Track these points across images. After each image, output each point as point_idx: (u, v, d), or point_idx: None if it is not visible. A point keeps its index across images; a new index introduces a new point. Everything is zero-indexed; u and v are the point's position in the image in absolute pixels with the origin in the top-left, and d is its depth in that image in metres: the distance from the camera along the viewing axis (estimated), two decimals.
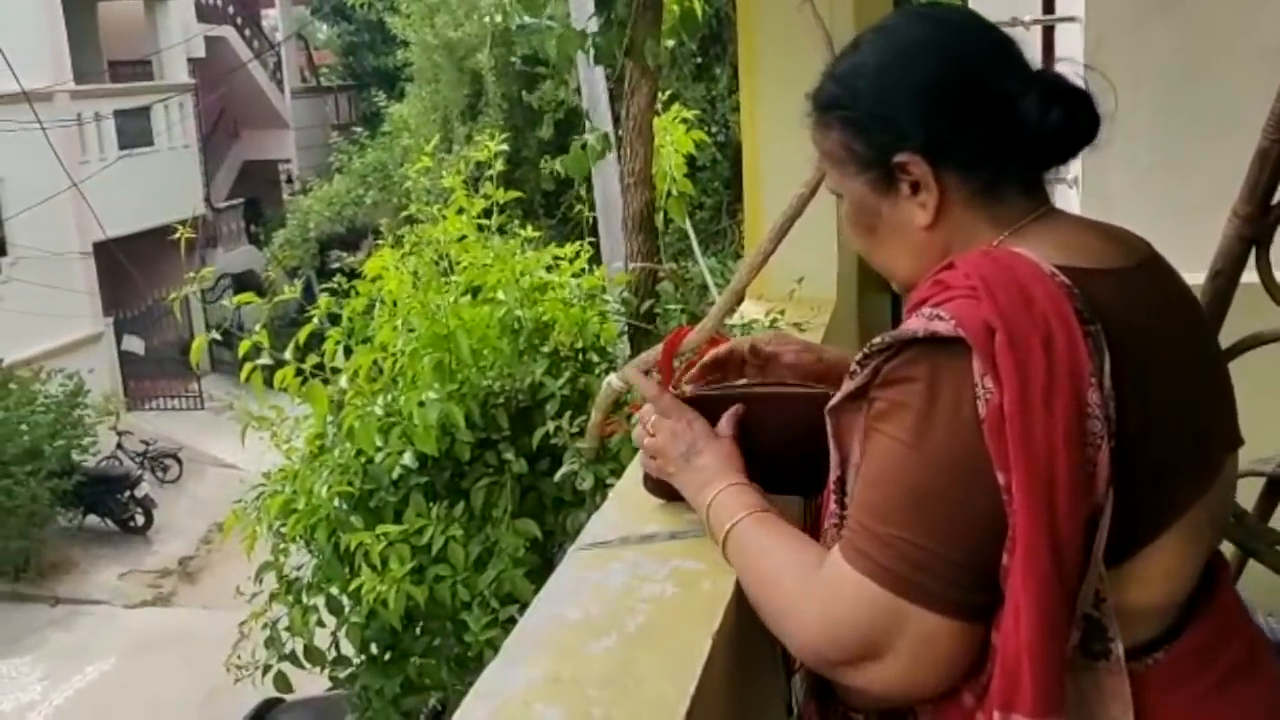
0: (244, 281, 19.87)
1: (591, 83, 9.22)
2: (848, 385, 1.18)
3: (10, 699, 12.03)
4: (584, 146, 3.10)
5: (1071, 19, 4.45)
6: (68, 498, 14.94)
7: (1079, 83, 1.22)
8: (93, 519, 15.57)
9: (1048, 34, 5.49)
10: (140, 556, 15.09)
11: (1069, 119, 1.18)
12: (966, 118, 1.20)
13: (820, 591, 1.16)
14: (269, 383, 2.88)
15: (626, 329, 3.09)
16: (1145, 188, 3.94)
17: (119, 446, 16.46)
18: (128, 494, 15.44)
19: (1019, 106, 1.18)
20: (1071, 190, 4.37)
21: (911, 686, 1.13)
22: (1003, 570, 1.06)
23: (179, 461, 16.95)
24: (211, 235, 22.31)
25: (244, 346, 2.82)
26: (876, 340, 1.13)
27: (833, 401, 1.20)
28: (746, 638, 1.36)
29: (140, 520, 15.54)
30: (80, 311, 18.02)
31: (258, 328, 2.75)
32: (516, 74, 15.05)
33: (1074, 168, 4.40)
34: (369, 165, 19.75)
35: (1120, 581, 1.10)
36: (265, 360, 2.78)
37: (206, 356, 18.77)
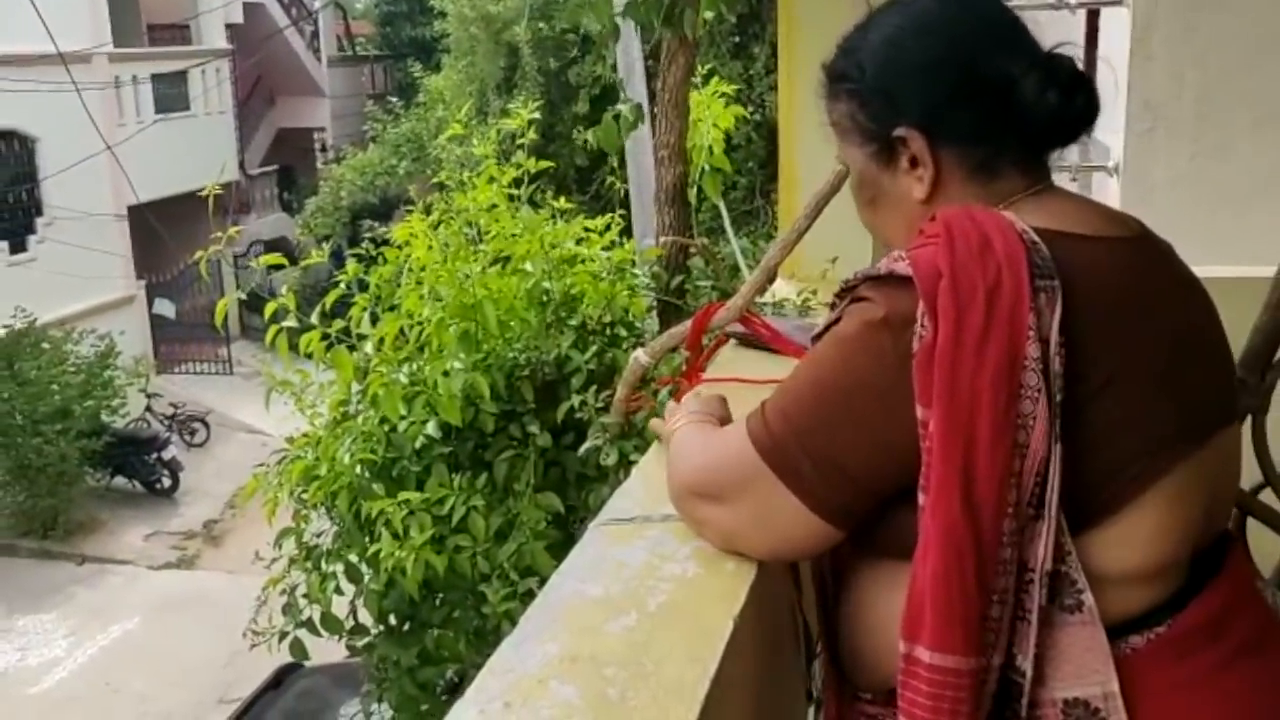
0: (276, 248, 19.85)
1: (628, 56, 9.14)
2: (827, 317, 1.24)
3: (36, 654, 12.21)
4: (616, 118, 3.06)
5: (1118, 2, 4.37)
6: (96, 458, 15.11)
7: (1080, 67, 1.25)
8: (120, 480, 15.73)
9: (1092, 18, 5.40)
10: (166, 519, 15.24)
11: (1065, 102, 1.21)
12: (965, 96, 1.23)
13: (716, 439, 1.34)
14: (296, 348, 2.87)
15: (655, 304, 3.05)
16: (1188, 177, 3.88)
17: (148, 409, 16.61)
18: (155, 456, 15.57)
19: (1018, 88, 1.20)
20: (1112, 178, 4.30)
21: (738, 539, 1.29)
22: (919, 509, 1.10)
23: (206, 426, 17.09)
24: (245, 201, 22.40)
25: (269, 309, 2.81)
26: (849, 276, 1.21)
27: (815, 332, 1.25)
28: (769, 621, 1.35)
29: (167, 483, 15.68)
30: (113, 274, 18.15)
31: (283, 290, 2.73)
32: (553, 48, 15.00)
33: (1115, 155, 4.34)
34: (403, 135, 19.76)
35: (1100, 543, 1.12)
36: (291, 324, 2.76)
37: (236, 322, 18.89)
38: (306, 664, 7.13)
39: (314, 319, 2.79)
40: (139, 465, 15.61)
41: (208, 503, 15.34)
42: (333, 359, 2.80)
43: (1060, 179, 3.98)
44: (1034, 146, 1.25)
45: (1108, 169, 4.34)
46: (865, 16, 1.34)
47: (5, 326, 14.81)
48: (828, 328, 1.22)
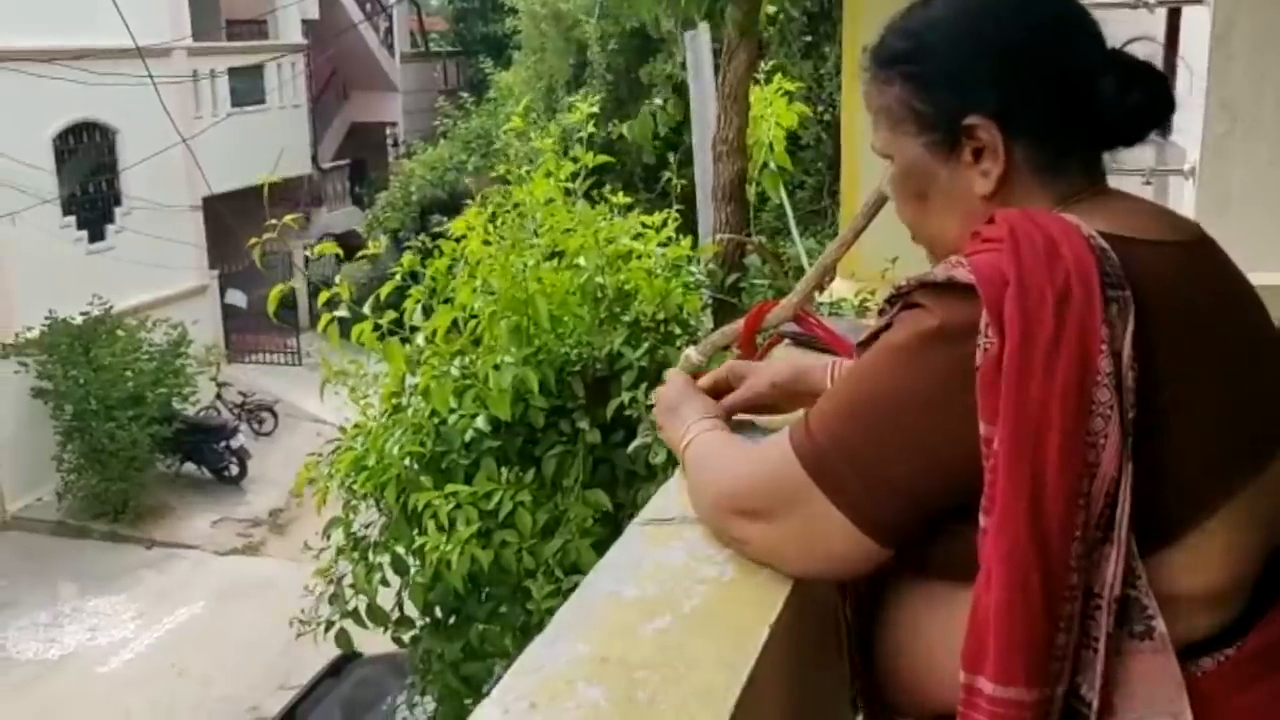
0: (346, 242, 20.09)
1: (697, 54, 9.09)
2: (875, 323, 1.17)
3: (105, 635, 12.51)
4: (653, 114, 3.04)
5: (1199, 1, 4.25)
6: (167, 444, 15.43)
7: (1157, 64, 1.18)
8: (189, 466, 16.05)
9: (1173, 17, 5.27)
10: (233, 506, 15.51)
11: (1149, 101, 1.15)
12: (1045, 87, 1.14)
13: (755, 454, 1.26)
14: (350, 338, 2.88)
15: (711, 302, 3.02)
16: (1268, 182, 3.76)
17: (218, 397, 16.92)
18: (224, 444, 15.86)
19: (1098, 83, 1.13)
20: (1187, 182, 4.18)
21: (780, 558, 1.21)
22: (981, 532, 1.03)
23: (275, 415, 17.35)
24: (317, 195, 22.70)
25: (323, 297, 2.82)
26: (901, 282, 1.13)
27: (861, 338, 1.20)
28: (807, 629, 1.31)
29: (235, 470, 15.95)
30: (187, 264, 18.49)
31: (337, 279, 2.74)
32: (624, 46, 15.00)
33: (1191, 158, 4.22)
34: (473, 131, 19.90)
35: (1169, 566, 1.06)
36: (343, 314, 2.77)
37: (305, 314, 19.12)
38: (366, 653, 7.21)
39: (367, 309, 2.79)
40: (208, 452, 15.90)
41: (274, 491, 15.56)
42: (385, 350, 2.80)
43: (1133, 183, 3.89)
44: (1101, 145, 1.19)
45: (1183, 172, 4.23)
46: None
47: (83, 313, 15.18)
48: (875, 334, 1.15)
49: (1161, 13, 5.22)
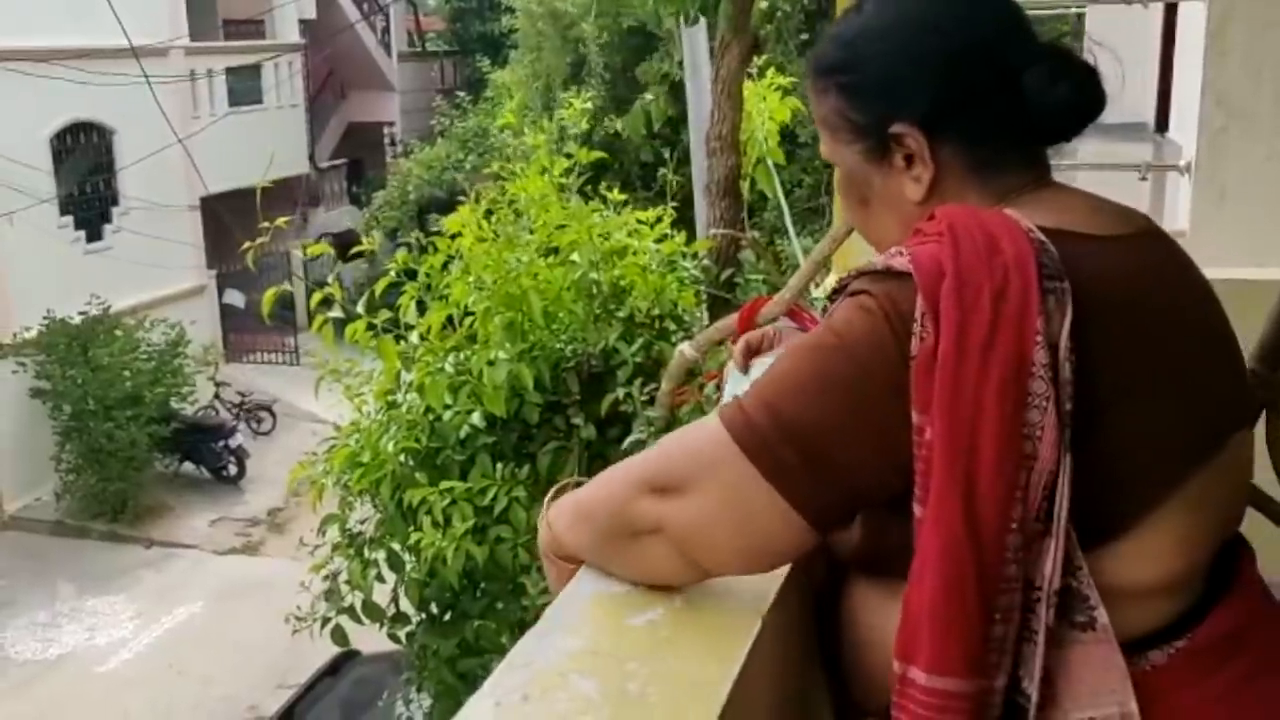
0: (343, 241, 20.14)
1: (694, 51, 9.09)
2: (822, 320, 1.16)
3: (104, 635, 12.50)
4: (646, 109, 3.04)
5: None
6: (165, 444, 15.41)
7: (1087, 59, 1.18)
8: (188, 466, 16.03)
9: (1169, 13, 5.27)
10: (231, 505, 15.49)
11: (1076, 94, 1.14)
12: (970, 89, 1.15)
13: (672, 434, 1.18)
14: (345, 338, 2.88)
15: (705, 297, 3.02)
16: (1263, 178, 3.76)
17: (216, 397, 16.89)
18: (222, 444, 15.84)
19: (1025, 79, 1.13)
20: (1184, 177, 4.19)
21: (701, 532, 1.10)
22: (916, 522, 1.02)
23: (273, 415, 17.33)
24: (314, 194, 22.67)
25: (316, 298, 2.81)
26: (845, 274, 1.12)
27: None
28: (798, 622, 1.30)
29: (233, 470, 15.94)
30: (185, 263, 18.47)
31: (330, 279, 2.74)
32: (621, 44, 15.00)
33: (1187, 154, 4.22)
34: (470, 130, 19.88)
35: (1115, 559, 1.05)
36: (336, 314, 2.76)
37: (303, 313, 19.11)
38: (365, 651, 7.20)
39: (360, 308, 2.79)
40: (206, 452, 15.88)
41: (272, 491, 15.54)
42: (378, 348, 2.80)
43: (1129, 178, 3.89)
44: (1040, 140, 1.19)
45: (1179, 168, 4.23)
46: (856, 4, 1.25)
47: (80, 313, 15.15)
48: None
49: (1158, 9, 5.22)
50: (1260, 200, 3.76)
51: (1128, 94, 6.05)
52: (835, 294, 1.14)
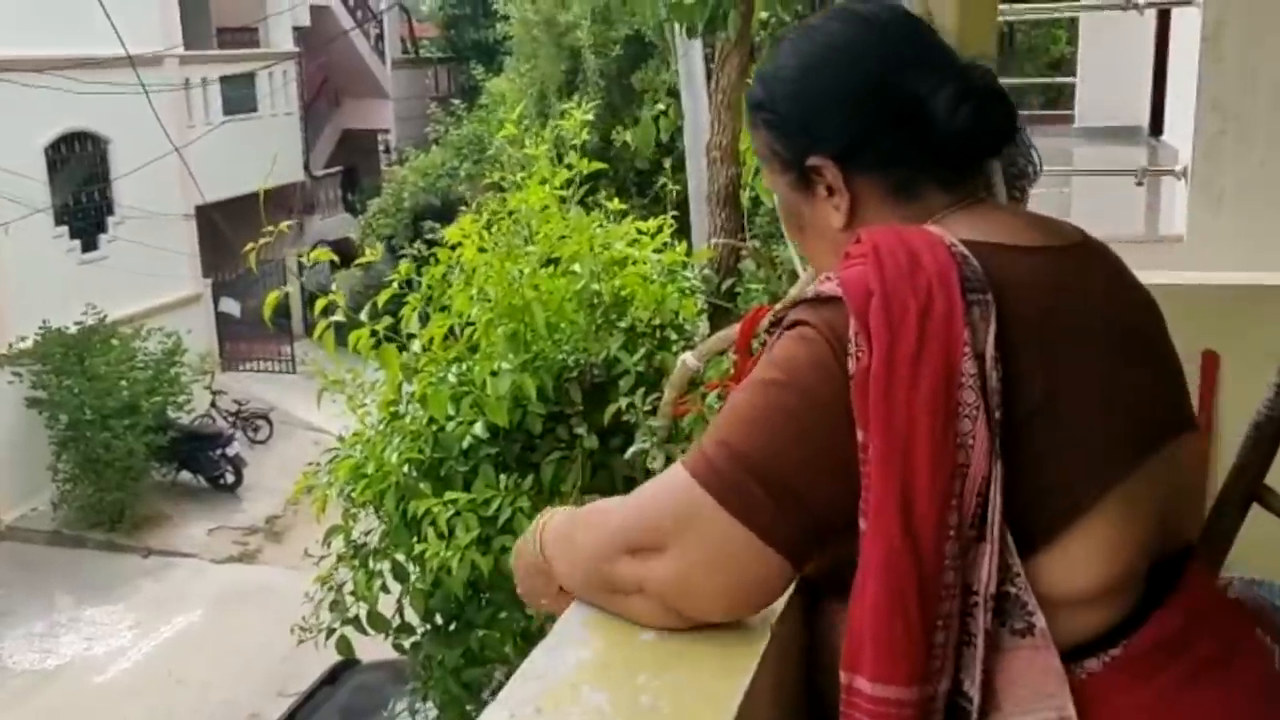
0: (339, 249, 20.05)
1: (689, 61, 9.12)
2: (761, 353, 1.18)
3: (102, 645, 12.47)
4: (656, 119, 3.06)
5: (1188, 2, 4.27)
6: (162, 453, 15.36)
7: (994, 83, 1.22)
8: (185, 475, 15.98)
9: (1163, 18, 5.29)
10: (229, 514, 15.46)
11: (977, 119, 1.17)
12: (875, 121, 1.20)
13: (641, 489, 1.19)
14: (348, 345, 2.88)
15: (706, 306, 3.03)
16: (1258, 180, 3.78)
17: (213, 405, 16.85)
18: (219, 452, 15.80)
19: (929, 106, 1.17)
20: (1180, 182, 4.20)
21: (687, 587, 1.12)
22: (860, 535, 1.05)
23: (270, 423, 17.31)
24: (309, 202, 22.65)
25: (318, 305, 2.82)
26: (778, 306, 1.19)
27: (749, 374, 1.19)
28: (800, 634, 1.31)
29: (230, 478, 15.90)
30: (181, 272, 18.44)
31: (333, 287, 2.74)
32: (617, 53, 15.01)
33: (1182, 158, 4.24)
34: (465, 137, 19.89)
35: (1049, 564, 1.08)
36: (339, 319, 2.77)
37: (299, 321, 19.12)
38: (365, 660, 7.20)
39: (364, 317, 2.80)
40: (204, 461, 15.84)
41: (270, 499, 15.52)
42: (381, 357, 2.80)
43: (1126, 183, 3.91)
44: (953, 163, 1.21)
45: (1175, 173, 4.25)
46: (780, 40, 1.32)
47: (76, 323, 15.11)
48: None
49: (1152, 14, 5.24)
50: (1257, 205, 3.77)
51: (1123, 98, 6.07)
52: (774, 326, 1.17)
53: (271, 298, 3.08)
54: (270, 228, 3.09)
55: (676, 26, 3.20)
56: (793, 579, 1.13)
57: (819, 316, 1.09)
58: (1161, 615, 1.12)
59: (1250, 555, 1.79)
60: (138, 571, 14.10)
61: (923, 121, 1.18)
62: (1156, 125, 5.65)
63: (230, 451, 15.86)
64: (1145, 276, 3.26)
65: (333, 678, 9.09)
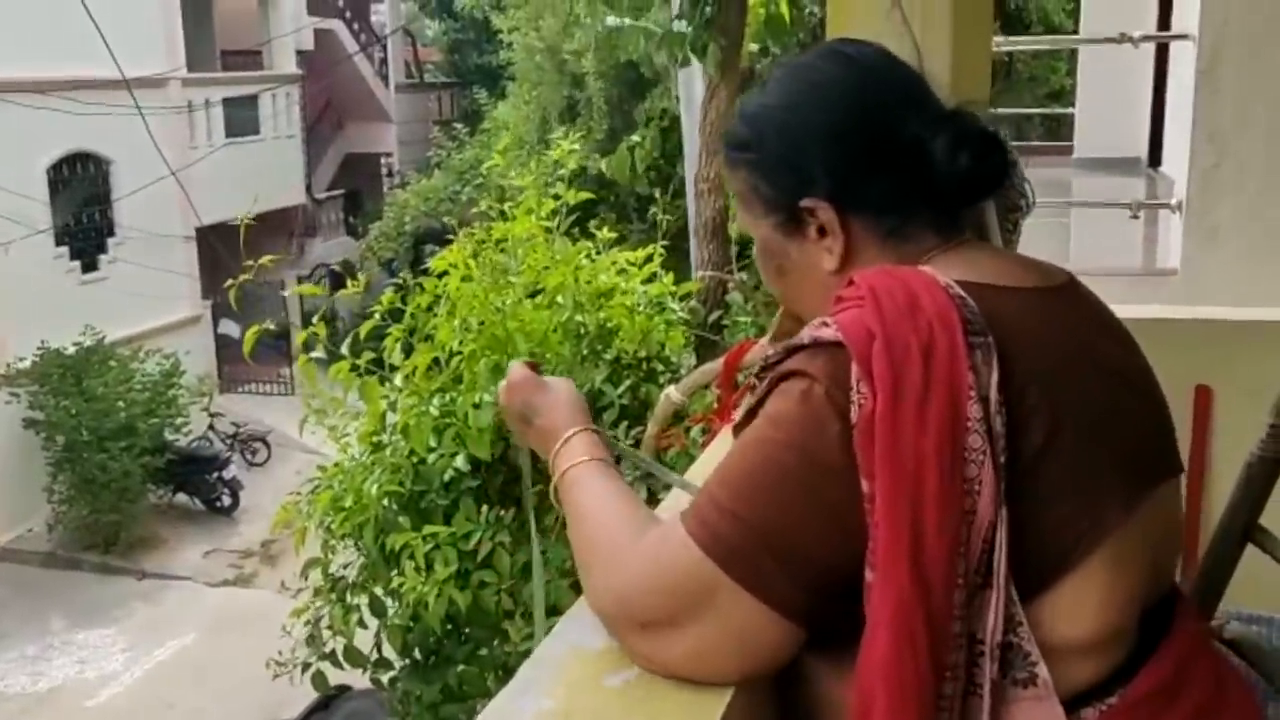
0: (339, 272, 20.18)
1: (689, 89, 9.13)
2: (749, 400, 1.15)
3: (94, 668, 12.41)
4: (631, 149, 3.04)
5: (1184, 37, 4.26)
6: (159, 475, 15.34)
7: (990, 126, 1.21)
8: (181, 497, 15.96)
9: (1161, 49, 5.28)
10: (225, 537, 15.41)
11: (977, 162, 1.16)
12: (875, 163, 1.18)
13: (648, 548, 1.13)
14: (333, 376, 2.85)
15: (692, 339, 3.00)
16: (1254, 214, 3.76)
17: (210, 428, 16.83)
18: (216, 475, 15.78)
19: (928, 149, 1.16)
20: (1175, 215, 4.18)
21: (700, 663, 1.11)
22: (866, 586, 1.02)
23: (267, 446, 17.27)
24: (311, 225, 22.72)
25: (299, 338, 2.80)
26: (771, 353, 1.12)
27: (737, 418, 1.17)
28: (770, 686, 1.27)
29: (227, 501, 15.87)
30: (180, 294, 18.46)
31: (316, 318, 2.72)
32: (619, 80, 15.05)
33: (1177, 192, 4.22)
34: (467, 162, 19.94)
35: (1047, 614, 1.05)
36: (319, 355, 2.75)
37: (299, 345, 19.11)
38: (355, 688, 7.15)
39: (344, 349, 2.78)
40: (200, 483, 15.82)
41: (266, 522, 15.34)
42: (362, 389, 2.78)
43: (1121, 215, 3.87)
44: (948, 205, 1.20)
45: (1171, 205, 4.22)
46: (763, 81, 1.29)
47: (75, 344, 15.12)
48: (752, 412, 1.12)
49: (1150, 47, 5.23)
50: (1251, 239, 3.75)
51: (1122, 129, 6.06)
52: (763, 370, 1.13)
53: (252, 331, 3.07)
54: (264, 253, 3.08)
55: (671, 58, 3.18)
56: (803, 638, 1.09)
57: (817, 365, 1.06)
58: (1156, 663, 1.11)
59: (1246, 591, 1.77)
60: (132, 594, 14.05)
61: (921, 164, 1.16)
62: (1155, 157, 5.63)
63: (227, 474, 15.84)
64: (1139, 310, 3.23)
65: (324, 705, 9.02)
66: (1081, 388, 1.09)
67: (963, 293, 1.06)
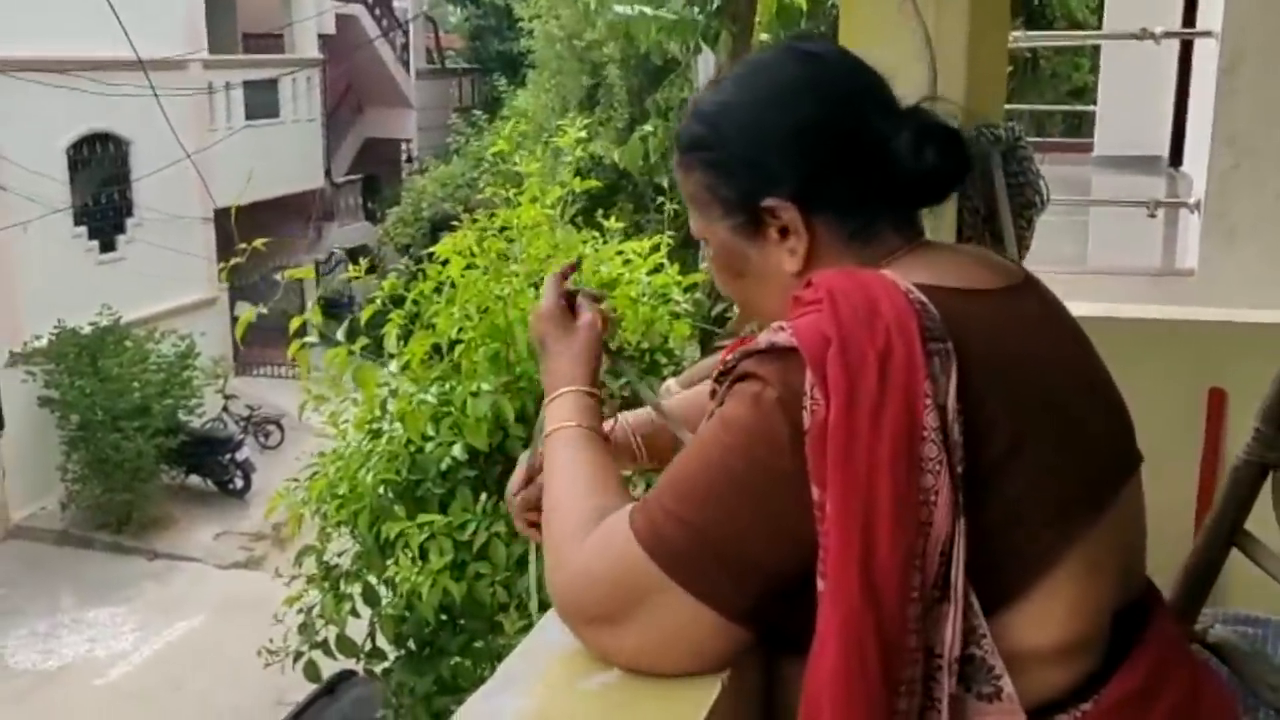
0: (357, 256, 20.17)
1: (706, 76, 9.09)
2: (710, 406, 1.12)
3: (104, 646, 12.47)
4: (644, 138, 2.99)
5: (1207, 34, 4.19)
6: (172, 456, 15.40)
7: (950, 122, 1.19)
8: (194, 478, 16.01)
9: (1185, 47, 5.21)
10: (236, 519, 15.45)
11: (942, 159, 1.15)
12: (839, 161, 1.15)
13: (595, 542, 1.12)
14: (328, 364, 2.83)
15: (696, 331, 2.96)
16: (1273, 216, 3.70)
17: (224, 410, 16.89)
18: (229, 457, 15.83)
19: (891, 147, 1.14)
20: (1193, 215, 4.12)
21: (644, 660, 1.12)
22: (819, 595, 1.00)
23: (281, 429, 17.31)
24: (329, 209, 22.71)
25: (294, 324, 2.77)
26: (729, 358, 1.10)
27: (701, 427, 1.14)
28: (757, 690, 1.24)
29: (239, 483, 15.91)
30: (197, 276, 18.48)
31: (311, 306, 2.69)
32: (639, 69, 15.01)
33: (1196, 191, 4.16)
34: (484, 149, 19.92)
35: (1016, 623, 1.03)
36: (312, 340, 2.72)
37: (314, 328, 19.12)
38: (360, 673, 7.16)
39: (341, 335, 2.75)
40: (213, 465, 15.87)
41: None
42: (357, 378, 2.75)
43: (1140, 214, 3.82)
44: (911, 204, 1.19)
45: (1189, 205, 4.17)
46: (718, 78, 1.25)
47: (91, 324, 15.17)
48: (711, 415, 1.11)
49: (1174, 44, 5.17)
50: (1270, 239, 3.70)
51: (1144, 127, 5.99)
52: (722, 375, 1.11)
53: (244, 318, 3.05)
54: (280, 237, 3.05)
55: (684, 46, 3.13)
56: (751, 638, 1.09)
57: (770, 369, 1.04)
58: (1129, 668, 1.09)
59: (1231, 596, 1.75)
60: (143, 574, 14.11)
61: (883, 161, 1.14)
62: (1176, 156, 5.56)
63: (240, 456, 15.89)
64: (1155, 311, 3.18)
65: (330, 689, 9.05)
66: (1045, 393, 1.07)
67: (923, 298, 1.03)
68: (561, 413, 1.27)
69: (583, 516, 1.15)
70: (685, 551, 1.05)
